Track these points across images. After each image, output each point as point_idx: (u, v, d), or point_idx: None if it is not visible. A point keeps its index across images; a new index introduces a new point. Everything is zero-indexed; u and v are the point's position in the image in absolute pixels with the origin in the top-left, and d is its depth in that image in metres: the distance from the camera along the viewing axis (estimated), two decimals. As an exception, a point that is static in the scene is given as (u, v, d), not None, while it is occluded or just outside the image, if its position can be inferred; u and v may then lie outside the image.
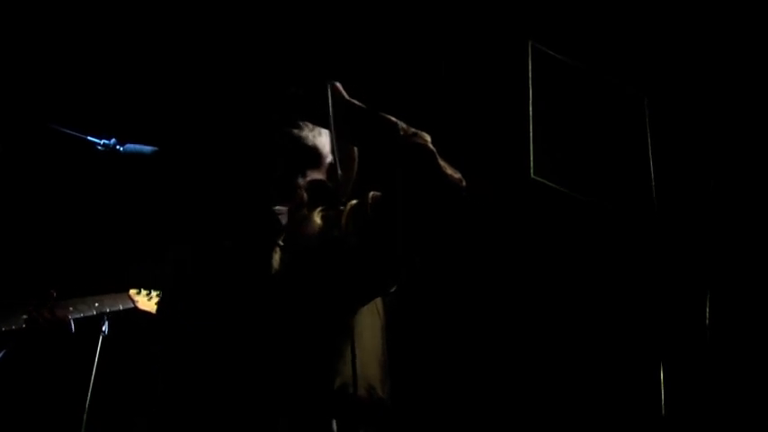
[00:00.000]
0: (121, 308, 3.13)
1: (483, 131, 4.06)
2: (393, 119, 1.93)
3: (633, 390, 3.76)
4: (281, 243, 1.97)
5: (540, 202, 3.94)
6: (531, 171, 3.81)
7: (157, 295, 3.16)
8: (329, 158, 2.16)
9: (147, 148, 2.34)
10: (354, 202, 2.04)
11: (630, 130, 4.10)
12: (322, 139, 2.14)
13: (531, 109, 3.83)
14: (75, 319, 2.92)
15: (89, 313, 3.02)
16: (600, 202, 3.95)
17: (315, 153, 2.14)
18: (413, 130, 1.92)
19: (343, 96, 1.96)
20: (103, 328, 3.18)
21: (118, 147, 2.29)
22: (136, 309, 3.16)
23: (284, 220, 2.05)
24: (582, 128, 4.02)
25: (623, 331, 3.88)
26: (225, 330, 1.89)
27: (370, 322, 1.95)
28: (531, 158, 3.81)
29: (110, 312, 3.08)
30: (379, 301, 2.03)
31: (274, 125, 2.08)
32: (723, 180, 3.92)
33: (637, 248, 3.96)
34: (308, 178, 2.12)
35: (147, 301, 3.18)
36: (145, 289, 3.19)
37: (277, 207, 2.07)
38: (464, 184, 1.89)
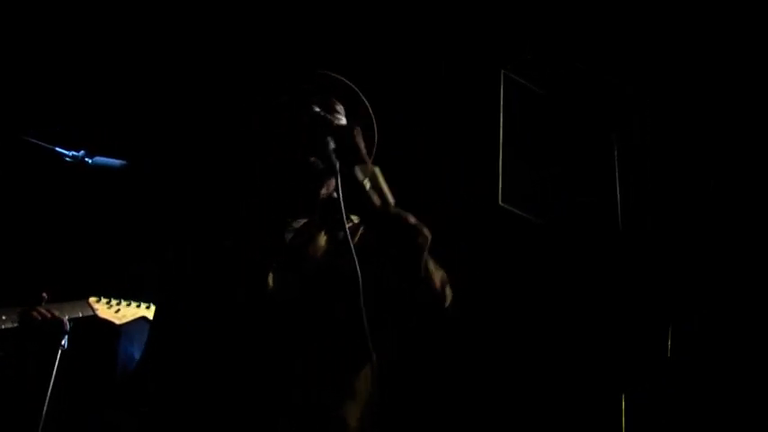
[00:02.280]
0: (81, 315, 3.05)
1: (452, 158, 4.09)
2: (398, 213, 1.86)
3: (596, 422, 3.78)
4: (275, 265, 1.95)
5: (507, 229, 3.96)
6: (499, 198, 3.84)
7: (117, 303, 3.11)
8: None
9: (116, 162, 2.33)
10: (363, 232, 2.02)
11: (599, 159, 4.14)
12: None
13: (501, 136, 3.86)
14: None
15: None
16: (565, 230, 3.99)
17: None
18: (414, 224, 1.85)
19: (362, 154, 1.88)
20: (63, 342, 3.13)
21: (87, 159, 2.29)
22: (95, 317, 3.10)
23: (289, 236, 2.02)
24: (550, 156, 4.06)
25: (586, 363, 3.89)
26: (220, 339, 1.87)
27: (363, 365, 1.93)
28: (500, 186, 3.84)
29: (69, 319, 3.01)
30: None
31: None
32: (691, 209, 3.97)
33: (601, 280, 3.99)
34: (323, 194, 2.06)
35: (106, 310, 3.11)
36: (105, 297, 3.14)
37: (290, 220, 2.05)
38: (449, 295, 1.87)
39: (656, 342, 3.71)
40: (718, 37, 3.88)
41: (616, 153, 4.10)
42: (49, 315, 2.79)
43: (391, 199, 1.87)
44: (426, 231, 1.86)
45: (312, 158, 1.97)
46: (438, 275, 1.87)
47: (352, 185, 1.84)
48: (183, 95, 4.01)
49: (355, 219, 2.08)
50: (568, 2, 3.91)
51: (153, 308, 3.14)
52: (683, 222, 3.95)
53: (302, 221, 2.06)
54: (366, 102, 2.17)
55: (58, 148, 2.28)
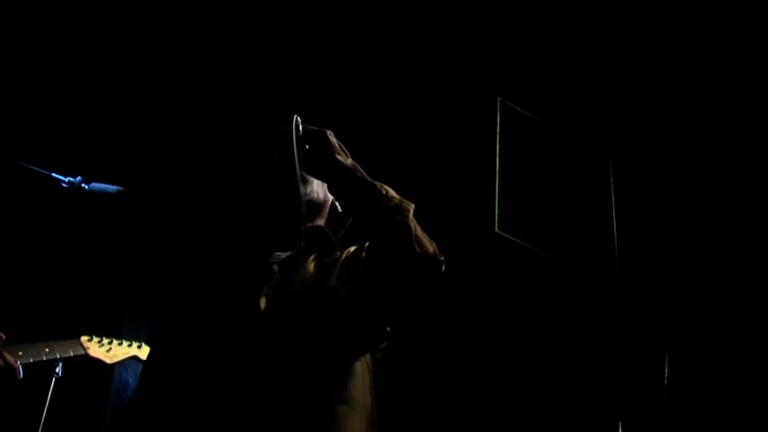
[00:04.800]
0: (72, 354, 3.04)
1: (449, 185, 4.09)
2: (379, 186, 1.92)
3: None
4: (268, 291, 1.95)
5: (504, 257, 3.96)
6: (496, 226, 3.83)
7: (109, 342, 3.11)
8: (329, 205, 2.16)
9: (112, 188, 2.32)
10: (352, 249, 2.03)
11: (595, 188, 4.15)
12: (324, 187, 2.13)
13: (497, 164, 3.87)
14: (24, 365, 2.83)
15: (39, 359, 2.93)
16: (562, 259, 3.98)
17: (316, 201, 2.14)
18: (397, 198, 1.91)
19: (334, 149, 1.96)
20: (57, 370, 3.12)
21: (83, 185, 2.28)
22: (87, 356, 3.09)
23: (277, 267, 2.03)
24: (547, 185, 4.07)
25: (583, 390, 3.88)
26: (217, 351, 1.87)
27: (360, 377, 1.93)
28: (496, 213, 3.84)
29: (60, 359, 3.00)
30: (368, 356, 2.01)
31: (277, 174, 2.05)
32: (684, 240, 3.98)
33: (598, 307, 3.98)
34: (308, 225, 2.11)
35: (98, 348, 3.10)
36: (97, 336, 3.13)
37: (276, 253, 2.06)
38: (442, 257, 1.87)
39: (652, 368, 3.71)
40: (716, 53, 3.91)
41: (612, 177, 4.11)
42: (1, 363, 2.70)
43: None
44: (408, 201, 1.91)
45: (287, 185, 2.00)
46: (428, 239, 1.88)
47: (333, 166, 1.94)
48: (177, 125, 4.03)
49: (338, 252, 2.10)
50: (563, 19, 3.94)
51: (144, 347, 3.15)
52: (681, 241, 3.97)
53: (288, 253, 2.07)
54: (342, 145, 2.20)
55: (53, 174, 2.27)
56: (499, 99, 3.97)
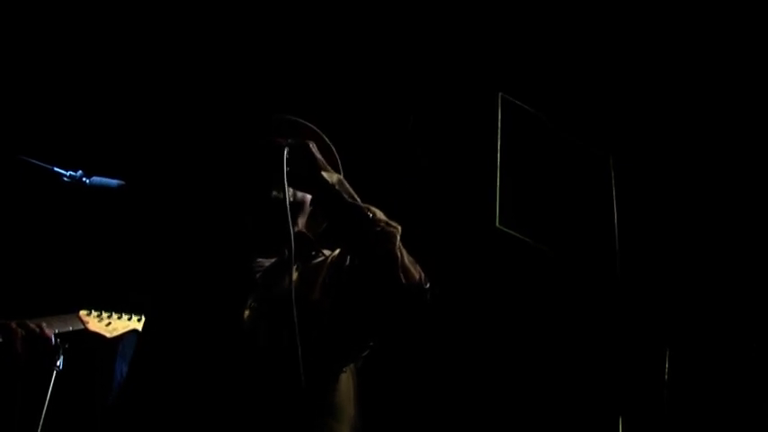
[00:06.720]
0: (71, 329, 2.97)
1: (449, 180, 4.09)
2: (366, 210, 1.88)
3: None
4: (252, 303, 1.93)
5: (504, 254, 3.96)
6: (496, 220, 3.83)
7: (108, 316, 3.07)
8: (309, 209, 2.14)
9: (114, 182, 2.33)
10: (337, 253, 2.01)
11: (596, 186, 4.15)
12: (304, 192, 2.10)
13: (498, 159, 3.87)
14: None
15: None
16: (563, 256, 3.98)
17: (297, 200, 2.10)
18: (384, 221, 1.86)
19: (319, 164, 1.92)
20: (58, 363, 3.10)
21: (84, 179, 2.28)
22: (86, 330, 3.04)
23: (260, 276, 2.00)
24: (549, 181, 4.07)
25: (584, 387, 3.88)
26: (202, 362, 1.86)
27: (345, 387, 1.92)
28: (497, 208, 3.84)
29: (59, 333, 2.95)
30: (352, 365, 2.00)
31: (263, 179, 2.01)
32: (685, 238, 3.99)
33: (598, 305, 3.98)
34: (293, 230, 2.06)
35: (97, 323, 3.04)
36: (96, 310, 3.08)
37: (259, 259, 2.04)
38: (428, 285, 1.86)
39: (653, 366, 3.71)
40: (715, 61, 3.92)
41: (613, 173, 4.12)
42: (37, 330, 2.63)
43: (358, 199, 1.90)
44: (396, 224, 1.87)
45: (274, 192, 1.98)
46: (414, 265, 1.86)
47: (319, 185, 1.88)
48: (179, 119, 4.03)
49: (326, 252, 2.08)
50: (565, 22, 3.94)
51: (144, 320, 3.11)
52: (682, 239, 3.97)
53: (272, 260, 2.05)
54: (331, 144, 2.18)
55: (55, 168, 2.28)
56: (500, 94, 3.96)
